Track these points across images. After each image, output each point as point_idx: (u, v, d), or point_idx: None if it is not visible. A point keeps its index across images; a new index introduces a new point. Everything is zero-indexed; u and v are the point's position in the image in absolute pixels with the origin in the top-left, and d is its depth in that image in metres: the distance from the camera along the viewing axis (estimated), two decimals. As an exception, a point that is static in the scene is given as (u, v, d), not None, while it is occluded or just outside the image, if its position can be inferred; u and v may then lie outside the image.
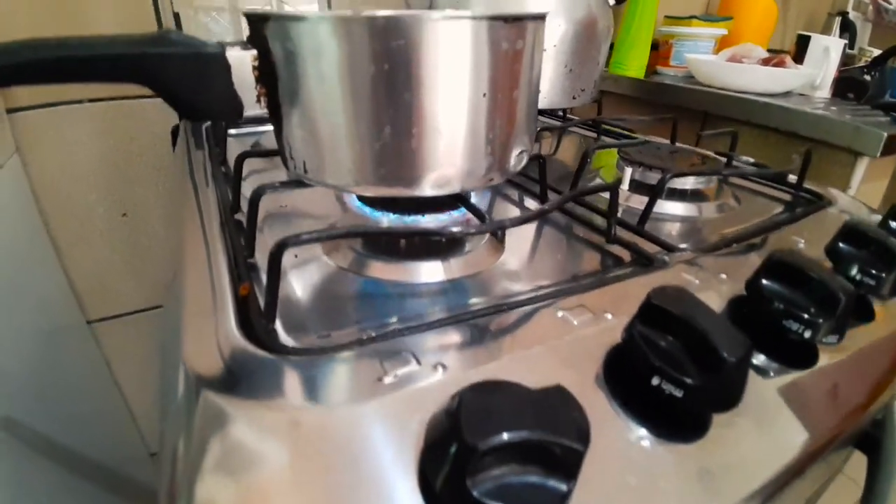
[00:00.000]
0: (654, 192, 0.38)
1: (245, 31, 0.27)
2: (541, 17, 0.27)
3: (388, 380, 0.21)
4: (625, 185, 0.48)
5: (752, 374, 0.23)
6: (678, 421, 0.21)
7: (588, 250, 0.36)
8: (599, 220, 0.39)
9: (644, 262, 0.33)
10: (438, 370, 0.22)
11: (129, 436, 0.89)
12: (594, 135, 0.69)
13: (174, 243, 0.35)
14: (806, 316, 0.26)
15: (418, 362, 0.22)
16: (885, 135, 0.61)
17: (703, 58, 0.92)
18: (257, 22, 0.25)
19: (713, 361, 0.20)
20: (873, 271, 0.31)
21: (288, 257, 0.33)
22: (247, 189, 0.37)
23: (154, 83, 0.24)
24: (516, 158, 0.29)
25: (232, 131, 0.64)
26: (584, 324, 0.25)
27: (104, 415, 0.83)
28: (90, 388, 0.81)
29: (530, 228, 0.41)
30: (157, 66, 0.23)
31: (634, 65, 0.98)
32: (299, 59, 0.24)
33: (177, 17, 0.65)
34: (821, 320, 0.25)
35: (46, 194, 0.69)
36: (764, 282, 0.27)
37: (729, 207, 0.45)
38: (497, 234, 0.31)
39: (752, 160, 0.55)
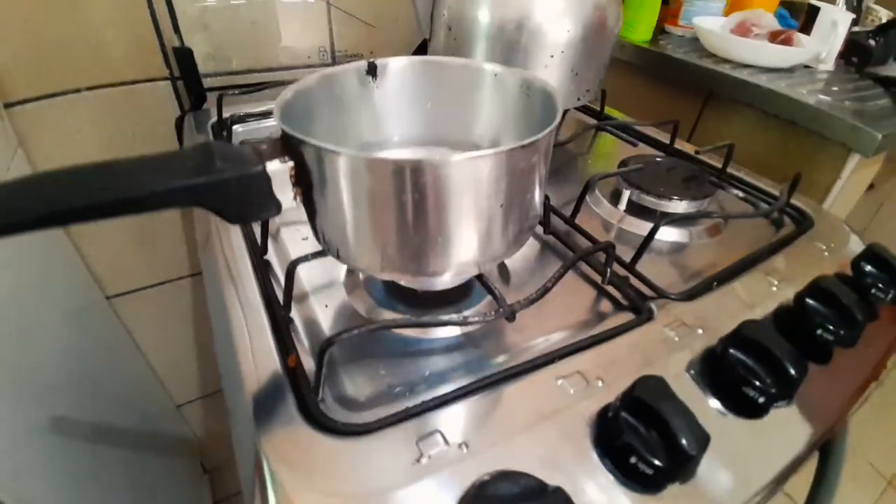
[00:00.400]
0: (647, 238, 0.42)
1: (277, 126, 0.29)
2: (553, 125, 0.29)
3: (423, 461, 0.26)
4: (622, 206, 0.51)
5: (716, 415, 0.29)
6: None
7: (586, 289, 0.41)
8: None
9: (634, 309, 0.38)
10: (463, 450, 0.27)
11: (156, 392, 0.97)
12: (594, 122, 0.71)
13: (216, 301, 0.38)
14: (762, 385, 0.31)
15: (446, 442, 0.28)
16: (880, 136, 0.63)
17: (710, 27, 0.89)
18: (295, 143, 0.27)
19: (678, 453, 0.26)
20: (832, 328, 0.36)
21: (319, 307, 0.38)
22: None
23: (202, 204, 0.26)
24: (528, 232, 0.33)
25: (238, 128, 0.65)
26: (578, 393, 0.31)
27: (132, 377, 0.91)
28: (117, 355, 0.87)
29: (532, 256, 0.45)
30: (205, 194, 0.26)
31: (642, 26, 0.96)
32: (332, 181, 0.27)
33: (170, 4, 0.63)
34: (773, 391, 0.31)
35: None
36: (731, 351, 0.33)
37: (717, 230, 0.49)
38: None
39: (745, 178, 0.58)
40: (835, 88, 0.81)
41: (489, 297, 0.36)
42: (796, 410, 0.33)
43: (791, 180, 0.52)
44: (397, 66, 0.40)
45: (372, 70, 0.39)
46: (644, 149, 0.65)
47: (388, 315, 0.36)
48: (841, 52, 0.92)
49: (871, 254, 0.42)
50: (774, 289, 0.41)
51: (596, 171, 0.54)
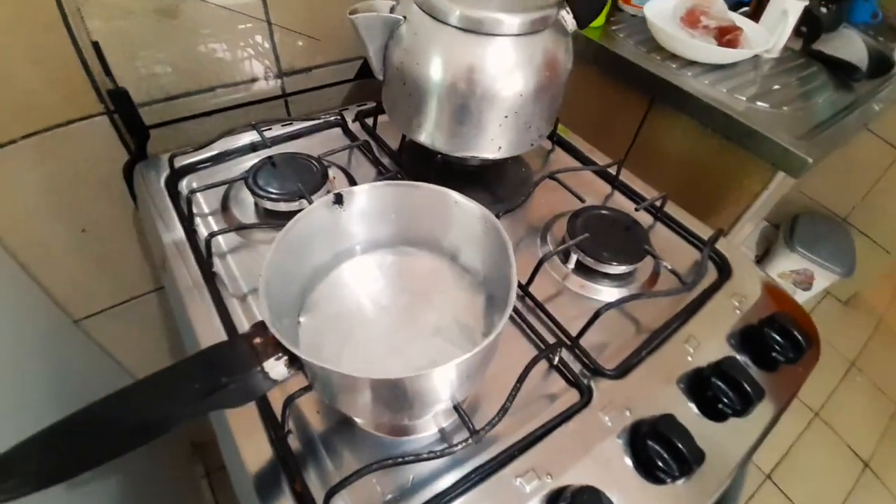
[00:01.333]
0: (591, 319, 0.49)
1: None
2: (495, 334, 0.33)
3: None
4: (570, 265, 0.57)
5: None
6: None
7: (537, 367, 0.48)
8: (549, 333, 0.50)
9: (577, 386, 0.46)
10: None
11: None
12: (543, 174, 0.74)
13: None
14: (666, 468, 0.41)
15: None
16: (811, 161, 0.70)
17: (659, 17, 0.89)
18: (295, 358, 0.31)
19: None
20: (731, 403, 0.46)
21: (311, 414, 0.44)
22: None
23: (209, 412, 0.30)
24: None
25: (191, 180, 0.63)
26: (533, 491, 0.39)
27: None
28: (97, 372, 0.90)
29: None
30: (213, 407, 0.30)
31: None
32: (325, 380, 0.31)
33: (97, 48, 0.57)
34: (677, 473, 0.41)
35: (5, 230, 0.68)
36: (649, 442, 0.41)
37: (651, 283, 0.57)
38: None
39: (677, 218, 0.64)
40: (776, 87, 0.85)
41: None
42: (694, 481, 0.43)
43: (714, 234, 0.59)
44: (363, 192, 0.42)
45: (339, 200, 0.41)
46: (592, 185, 0.70)
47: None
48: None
49: (775, 322, 0.51)
50: (690, 358, 0.50)
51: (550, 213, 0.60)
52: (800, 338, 0.50)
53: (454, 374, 0.33)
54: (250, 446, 0.40)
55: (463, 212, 0.42)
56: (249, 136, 0.69)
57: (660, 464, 0.41)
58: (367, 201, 0.42)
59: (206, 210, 0.60)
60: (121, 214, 0.77)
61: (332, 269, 0.45)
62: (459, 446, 0.37)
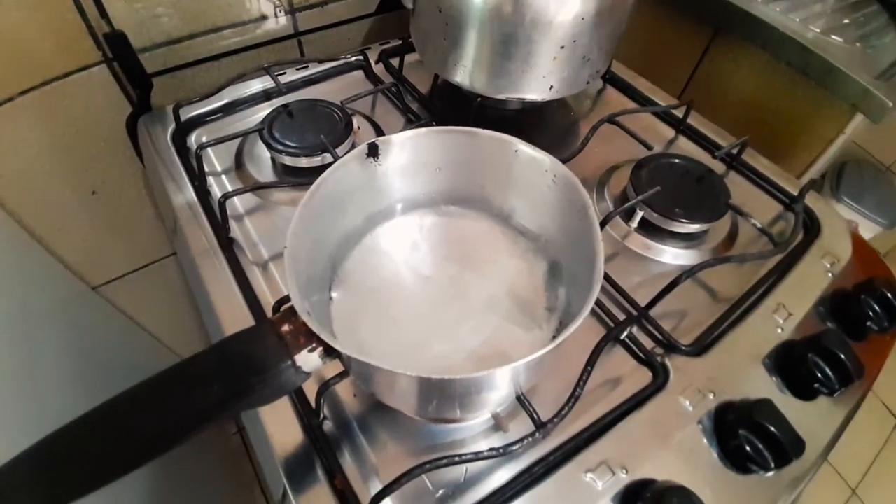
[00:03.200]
0: (667, 287, 0.42)
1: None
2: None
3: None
4: (633, 223, 0.49)
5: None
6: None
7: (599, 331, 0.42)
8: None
9: (649, 365, 0.40)
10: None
11: (170, 361, 1.01)
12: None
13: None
14: (760, 459, 0.35)
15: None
16: (891, 104, 0.60)
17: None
18: (334, 352, 0.25)
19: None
20: (827, 381, 0.39)
21: (347, 397, 0.39)
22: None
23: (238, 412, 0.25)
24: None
25: (200, 133, 0.57)
26: (606, 487, 0.34)
27: (140, 351, 0.93)
28: (119, 337, 0.88)
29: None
30: (242, 409, 0.24)
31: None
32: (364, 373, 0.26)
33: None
34: (773, 464, 0.35)
35: (10, 196, 0.63)
36: (740, 431, 0.36)
37: (727, 246, 0.49)
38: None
39: (758, 168, 0.55)
40: (846, 21, 0.74)
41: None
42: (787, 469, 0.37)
43: (806, 185, 0.50)
44: (402, 141, 0.34)
45: (373, 152, 0.34)
46: (654, 130, 0.61)
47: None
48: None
49: (875, 288, 0.43)
50: (780, 331, 0.43)
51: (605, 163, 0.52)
52: (900, 306, 0.43)
53: (521, 370, 0.27)
54: (282, 435, 0.36)
55: (524, 163, 0.34)
56: (261, 83, 0.62)
57: (753, 455, 0.35)
58: (407, 153, 0.35)
59: (219, 168, 0.54)
60: (130, 173, 0.71)
61: (365, 233, 0.38)
62: (525, 442, 0.32)
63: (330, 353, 0.26)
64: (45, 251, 0.72)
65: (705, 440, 0.37)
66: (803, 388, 0.41)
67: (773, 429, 0.35)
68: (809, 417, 0.40)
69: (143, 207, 0.77)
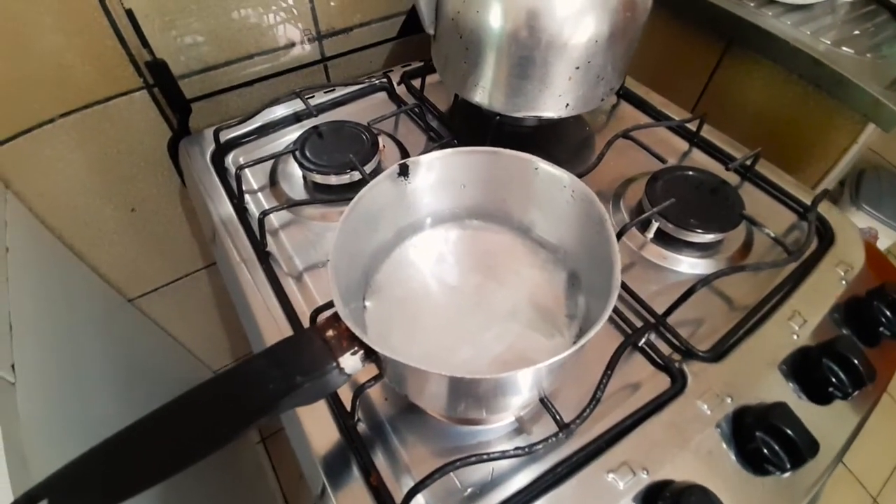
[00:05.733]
0: (684, 294, 0.43)
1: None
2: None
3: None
4: (650, 234, 0.51)
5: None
6: None
7: (616, 337, 0.43)
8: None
9: (667, 370, 0.42)
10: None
11: (198, 370, 1.05)
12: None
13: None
14: (776, 461, 0.36)
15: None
16: None
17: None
18: (373, 354, 0.27)
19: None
20: (841, 386, 0.40)
21: (379, 400, 0.41)
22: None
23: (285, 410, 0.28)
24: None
25: (238, 154, 0.61)
26: (628, 487, 0.36)
27: (171, 361, 0.97)
28: (153, 347, 0.92)
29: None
30: (289, 406, 0.27)
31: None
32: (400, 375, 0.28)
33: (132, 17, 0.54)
34: (788, 466, 0.36)
35: (52, 213, 0.67)
36: (757, 433, 0.37)
37: (742, 255, 0.51)
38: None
39: (771, 178, 0.57)
40: (856, 32, 0.75)
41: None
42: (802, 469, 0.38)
43: (818, 195, 0.52)
44: (430, 161, 0.37)
45: (404, 171, 0.37)
46: (668, 143, 0.63)
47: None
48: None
49: (887, 294, 0.44)
50: (795, 337, 0.44)
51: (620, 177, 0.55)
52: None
53: (544, 372, 0.29)
54: (320, 436, 0.38)
55: (544, 180, 0.37)
56: (292, 106, 0.66)
57: (770, 456, 0.36)
58: (435, 172, 0.38)
59: (255, 186, 0.57)
60: (168, 192, 0.76)
61: (394, 246, 0.41)
62: (549, 441, 0.34)
63: (370, 355, 0.29)
64: (85, 265, 0.76)
65: (723, 443, 0.39)
66: (818, 393, 0.42)
67: (788, 431, 0.36)
68: (824, 420, 0.41)
69: (180, 224, 0.81)
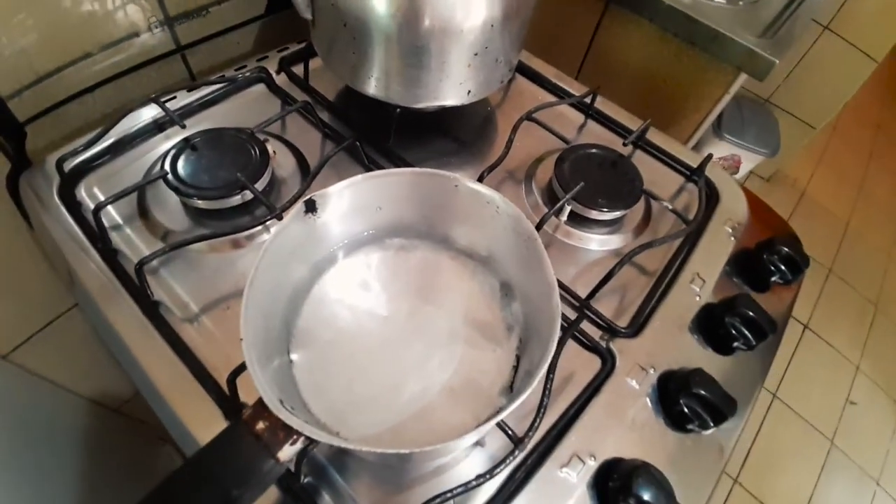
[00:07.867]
0: (605, 278, 0.45)
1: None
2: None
3: None
4: (563, 217, 0.52)
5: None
6: None
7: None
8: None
9: (597, 351, 0.44)
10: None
11: (100, 416, 0.93)
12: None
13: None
14: (700, 422, 0.40)
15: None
16: (777, 62, 0.67)
17: None
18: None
19: None
20: (745, 339, 0.45)
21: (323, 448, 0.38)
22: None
23: None
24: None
25: (91, 183, 0.50)
26: (580, 477, 0.37)
27: (70, 413, 0.85)
28: (46, 404, 0.80)
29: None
30: None
31: None
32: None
33: None
34: (711, 424, 0.40)
35: None
36: (681, 399, 0.40)
37: (643, 228, 0.54)
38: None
39: (660, 147, 0.60)
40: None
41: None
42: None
43: (703, 160, 0.56)
44: (339, 192, 0.33)
45: (311, 207, 0.32)
46: (565, 116, 0.63)
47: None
48: None
49: (776, 247, 0.50)
50: (698, 298, 0.48)
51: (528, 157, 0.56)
52: (798, 260, 0.50)
53: (486, 429, 0.29)
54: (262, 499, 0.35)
55: (465, 196, 0.35)
56: (150, 112, 0.55)
57: (694, 418, 0.40)
58: (346, 201, 0.34)
59: (120, 219, 0.48)
60: (14, 229, 0.62)
61: (312, 284, 0.37)
62: (508, 462, 0.34)
63: (311, 439, 0.26)
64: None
65: (654, 412, 0.42)
66: (724, 346, 0.47)
67: (708, 395, 0.40)
68: (734, 369, 0.46)
69: (36, 263, 0.68)
